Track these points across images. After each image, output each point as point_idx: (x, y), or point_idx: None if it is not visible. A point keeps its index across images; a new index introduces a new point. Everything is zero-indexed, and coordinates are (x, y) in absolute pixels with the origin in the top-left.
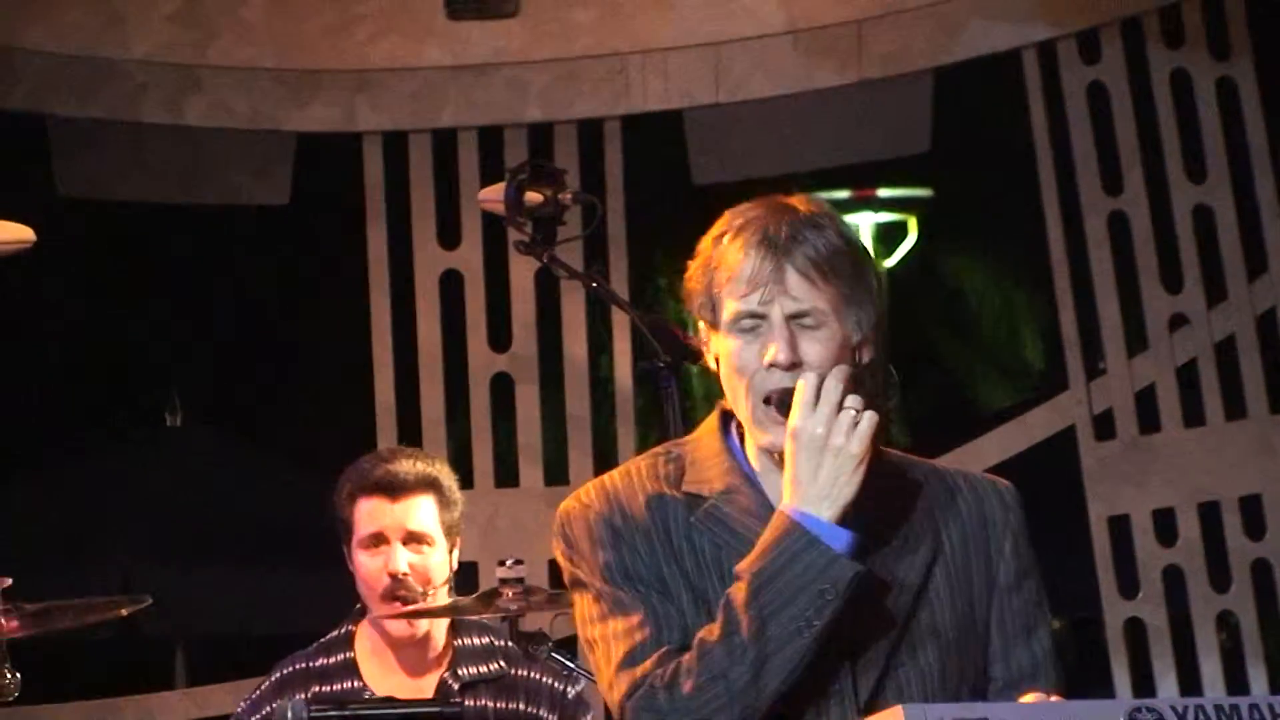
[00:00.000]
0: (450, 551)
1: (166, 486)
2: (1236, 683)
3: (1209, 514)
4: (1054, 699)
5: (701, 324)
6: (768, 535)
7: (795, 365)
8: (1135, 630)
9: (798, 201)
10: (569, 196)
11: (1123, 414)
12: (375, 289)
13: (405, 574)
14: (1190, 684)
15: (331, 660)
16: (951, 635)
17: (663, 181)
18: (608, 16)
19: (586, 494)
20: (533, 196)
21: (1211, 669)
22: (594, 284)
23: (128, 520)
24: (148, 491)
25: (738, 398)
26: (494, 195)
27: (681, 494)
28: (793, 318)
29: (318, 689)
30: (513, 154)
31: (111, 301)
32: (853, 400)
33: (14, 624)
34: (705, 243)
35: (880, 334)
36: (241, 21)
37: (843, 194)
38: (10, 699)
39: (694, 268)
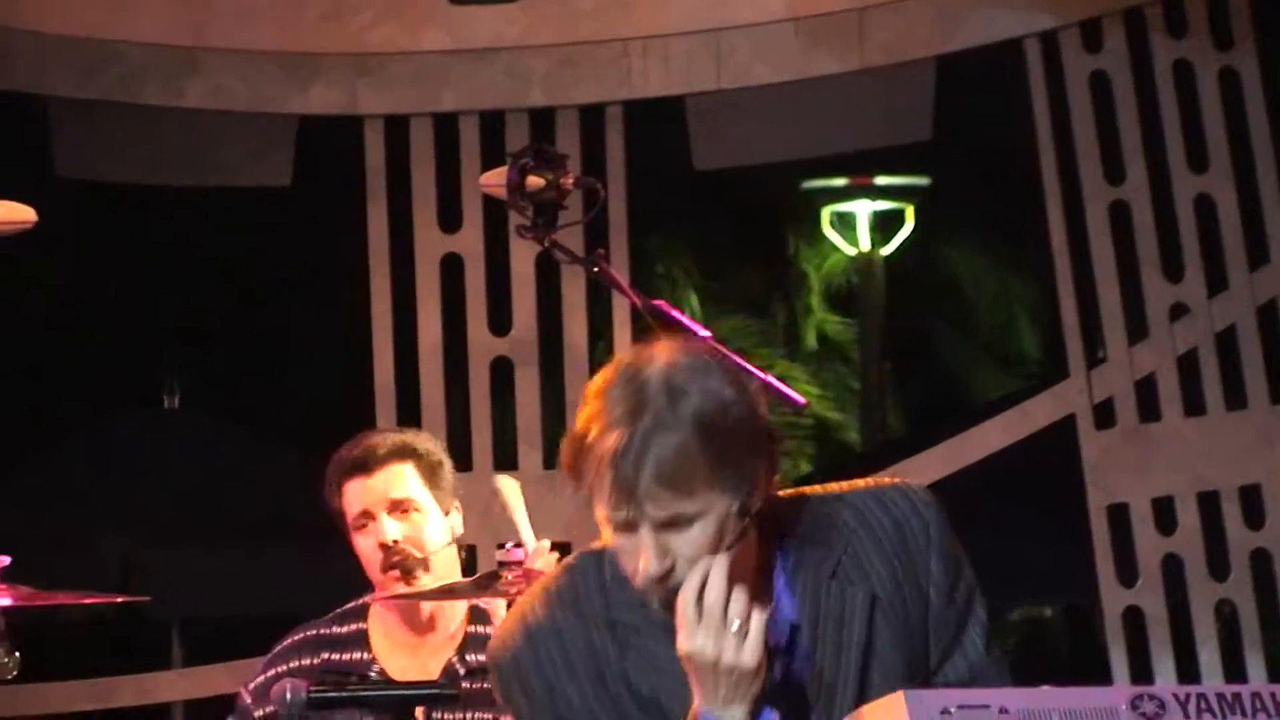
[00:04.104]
0: (447, 516)
1: (164, 468)
2: (1234, 672)
3: (1208, 503)
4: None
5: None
6: None
7: (668, 573)
8: (1133, 618)
9: (663, 376)
10: (570, 181)
11: (1123, 403)
12: (375, 272)
13: (395, 541)
14: (1188, 673)
15: (345, 630)
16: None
17: (664, 167)
18: (610, 2)
19: (512, 639)
20: (534, 181)
21: (1210, 658)
22: (595, 268)
23: (126, 501)
24: (145, 473)
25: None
26: (496, 179)
27: (607, 626)
28: (661, 526)
29: (328, 656)
30: (514, 138)
31: (110, 283)
32: (737, 607)
33: (11, 602)
34: (580, 420)
35: (773, 457)
36: (242, 4)
37: (840, 181)
38: (9, 677)
39: (567, 445)
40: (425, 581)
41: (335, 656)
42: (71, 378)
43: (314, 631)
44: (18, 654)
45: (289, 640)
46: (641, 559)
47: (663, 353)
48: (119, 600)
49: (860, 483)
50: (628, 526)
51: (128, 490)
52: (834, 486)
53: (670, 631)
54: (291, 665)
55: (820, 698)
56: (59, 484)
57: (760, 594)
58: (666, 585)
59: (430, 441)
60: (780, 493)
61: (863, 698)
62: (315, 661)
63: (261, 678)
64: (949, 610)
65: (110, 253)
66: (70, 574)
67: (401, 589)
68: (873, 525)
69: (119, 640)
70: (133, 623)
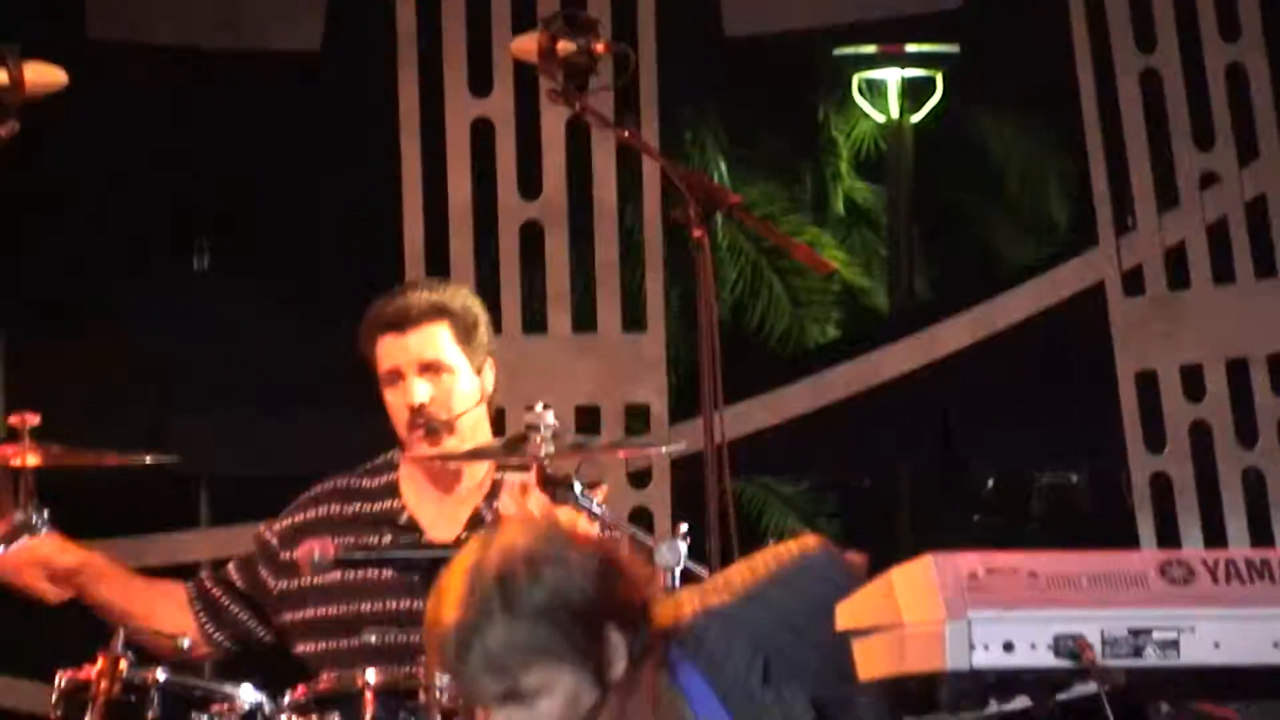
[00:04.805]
0: (480, 374)
1: (194, 330)
2: (1261, 538)
3: (1237, 371)
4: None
5: None
6: None
7: None
8: (1161, 485)
9: (497, 568)
10: (601, 46)
11: (1152, 270)
12: (406, 136)
13: (423, 404)
14: (1215, 538)
15: (375, 483)
16: None
17: (695, 33)
18: None
19: None
20: (565, 46)
21: (1236, 525)
22: (625, 133)
23: (155, 361)
24: (174, 333)
25: None
26: (527, 44)
27: None
28: (502, 700)
29: (359, 506)
30: (545, 3)
31: (142, 146)
32: None
33: (39, 461)
34: (431, 604)
35: (634, 625)
36: None
37: (870, 49)
38: (38, 535)
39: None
40: (450, 442)
41: (367, 507)
42: (102, 240)
43: (344, 482)
44: (46, 512)
45: (319, 488)
46: None
47: (506, 540)
48: (147, 460)
49: (758, 566)
50: (472, 705)
51: (157, 351)
52: (735, 580)
53: None
54: (320, 512)
55: None
56: (89, 344)
57: None
58: None
59: (467, 298)
60: (679, 609)
61: None
62: (347, 510)
63: (289, 521)
64: None
65: (140, 116)
66: (99, 434)
67: (426, 449)
68: (786, 612)
69: (146, 501)
70: (161, 483)
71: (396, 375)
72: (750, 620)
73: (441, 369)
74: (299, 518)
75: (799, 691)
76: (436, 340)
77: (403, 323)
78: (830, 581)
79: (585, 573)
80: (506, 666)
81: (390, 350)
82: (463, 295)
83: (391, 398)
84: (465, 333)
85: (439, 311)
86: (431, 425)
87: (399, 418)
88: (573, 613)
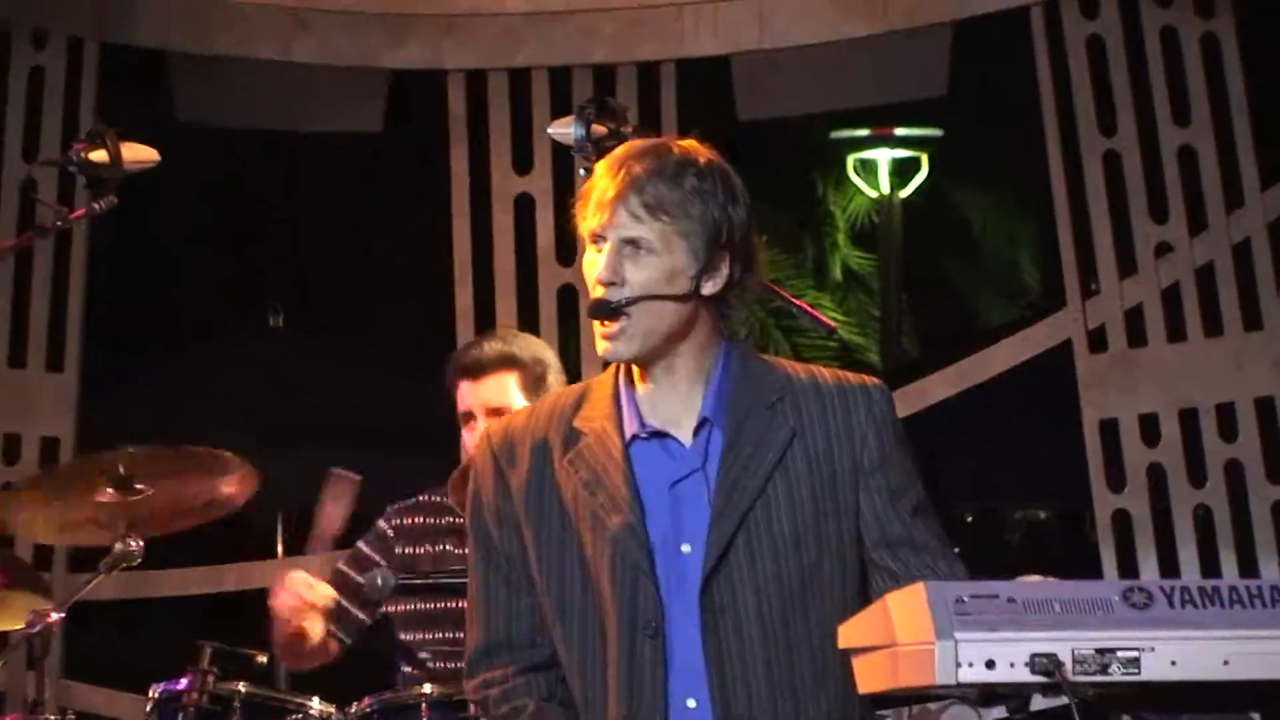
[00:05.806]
0: None
1: (270, 382)
2: (1209, 568)
3: (1188, 419)
4: (1048, 579)
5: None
6: None
7: (613, 284)
8: (1121, 521)
9: (661, 144)
10: (629, 129)
11: (1114, 330)
12: (456, 209)
13: None
14: (1169, 569)
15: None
16: (808, 509)
17: (711, 118)
18: None
19: (494, 429)
20: (597, 129)
21: (1188, 555)
22: None
23: (235, 408)
24: (253, 386)
25: None
26: (563, 127)
27: (566, 425)
28: (625, 243)
29: (447, 520)
30: (580, 91)
31: (224, 217)
32: None
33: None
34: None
35: (742, 267)
36: None
37: (864, 132)
38: (135, 563)
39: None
40: None
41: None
42: (188, 300)
43: (426, 498)
44: (141, 543)
45: (410, 500)
46: (598, 265)
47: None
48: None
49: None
50: (598, 236)
51: (237, 398)
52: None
53: (609, 449)
54: (421, 519)
55: (720, 495)
56: (178, 394)
57: (688, 395)
58: (612, 290)
59: (539, 350)
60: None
61: (763, 500)
62: (440, 522)
63: (400, 523)
64: (879, 477)
65: (224, 191)
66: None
67: None
68: (822, 388)
69: (227, 534)
70: (240, 519)
71: (469, 417)
72: (795, 372)
73: (504, 413)
74: (407, 520)
75: (786, 429)
76: (505, 388)
77: (476, 371)
78: (872, 398)
79: (744, 214)
80: (653, 211)
81: (465, 394)
82: (534, 347)
83: (466, 436)
84: (533, 382)
85: (508, 362)
86: None
87: (468, 454)
88: (718, 218)
